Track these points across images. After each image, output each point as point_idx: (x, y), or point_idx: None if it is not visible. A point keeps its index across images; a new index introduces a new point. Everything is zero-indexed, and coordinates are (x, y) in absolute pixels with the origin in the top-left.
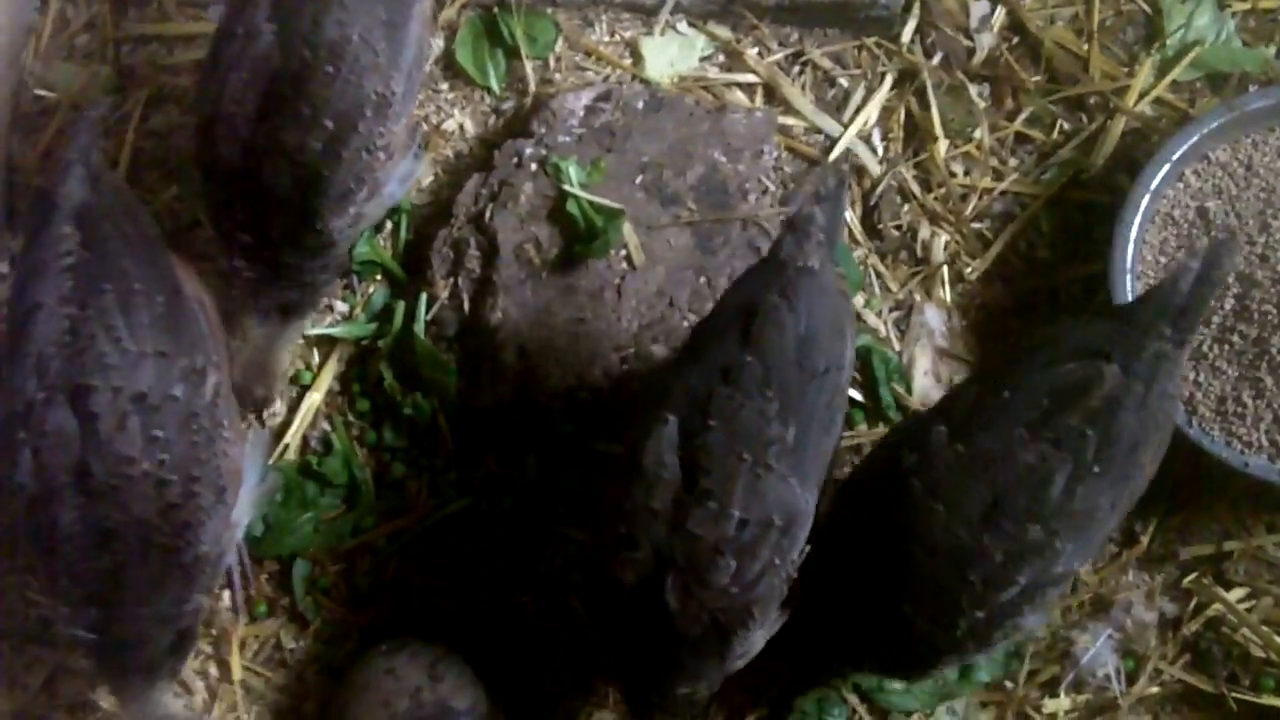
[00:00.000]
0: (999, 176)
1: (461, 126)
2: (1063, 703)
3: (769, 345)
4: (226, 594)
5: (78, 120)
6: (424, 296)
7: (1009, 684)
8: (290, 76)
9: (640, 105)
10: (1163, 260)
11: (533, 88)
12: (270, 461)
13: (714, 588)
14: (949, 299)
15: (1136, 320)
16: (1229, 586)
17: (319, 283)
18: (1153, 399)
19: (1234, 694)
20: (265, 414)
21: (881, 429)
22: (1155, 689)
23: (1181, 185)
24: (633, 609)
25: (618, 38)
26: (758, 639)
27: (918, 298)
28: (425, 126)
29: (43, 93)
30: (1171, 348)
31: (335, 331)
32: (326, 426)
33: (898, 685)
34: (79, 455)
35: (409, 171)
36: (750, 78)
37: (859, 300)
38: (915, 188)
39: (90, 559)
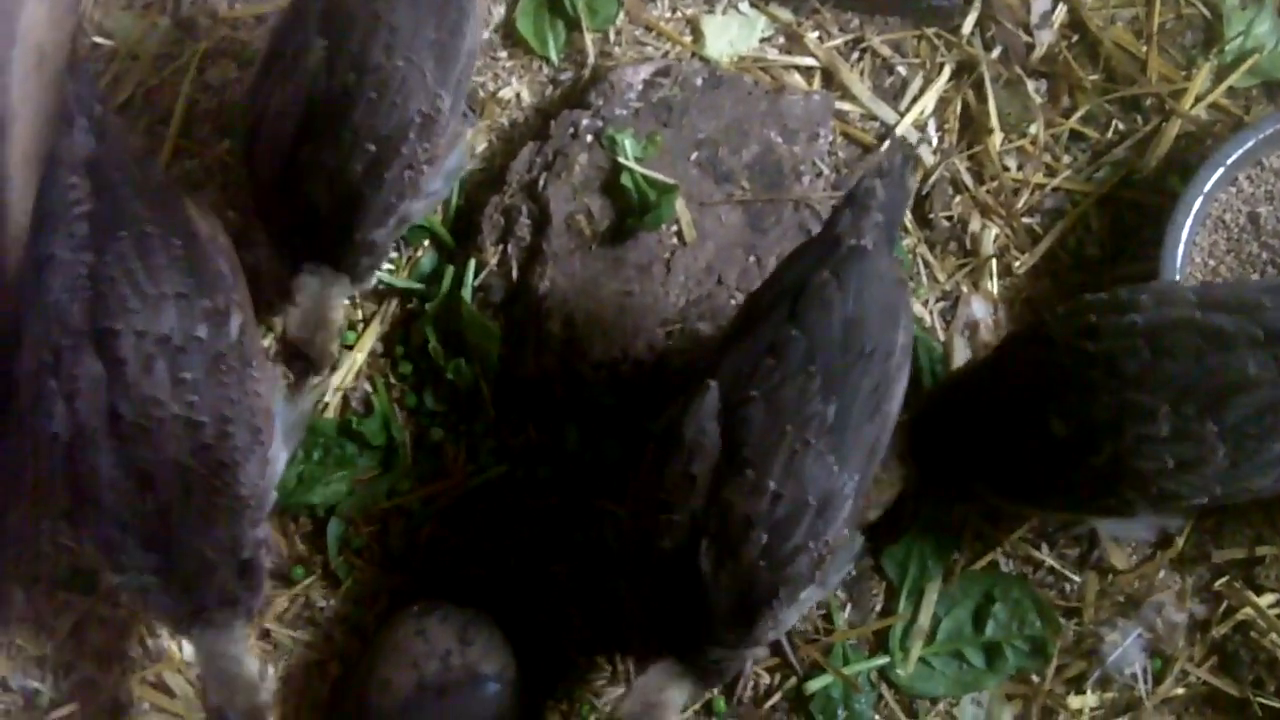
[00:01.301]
0: (1052, 173)
1: (518, 95)
2: (1088, 699)
3: (815, 322)
4: None
5: (76, 72)
6: (472, 262)
7: (1035, 677)
8: (333, 99)
9: (699, 82)
10: (1211, 263)
11: (592, 60)
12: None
13: (745, 560)
14: (995, 292)
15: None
16: (1259, 591)
17: (364, 270)
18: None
19: (1259, 699)
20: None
21: None
22: (1181, 690)
23: (1234, 190)
24: (667, 574)
25: (679, 14)
26: (787, 617)
27: (964, 289)
28: (482, 93)
29: (100, 40)
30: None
31: (386, 278)
32: (368, 387)
33: (924, 672)
34: (108, 400)
35: (454, 167)
36: (809, 61)
37: None
38: (968, 179)
39: (133, 502)
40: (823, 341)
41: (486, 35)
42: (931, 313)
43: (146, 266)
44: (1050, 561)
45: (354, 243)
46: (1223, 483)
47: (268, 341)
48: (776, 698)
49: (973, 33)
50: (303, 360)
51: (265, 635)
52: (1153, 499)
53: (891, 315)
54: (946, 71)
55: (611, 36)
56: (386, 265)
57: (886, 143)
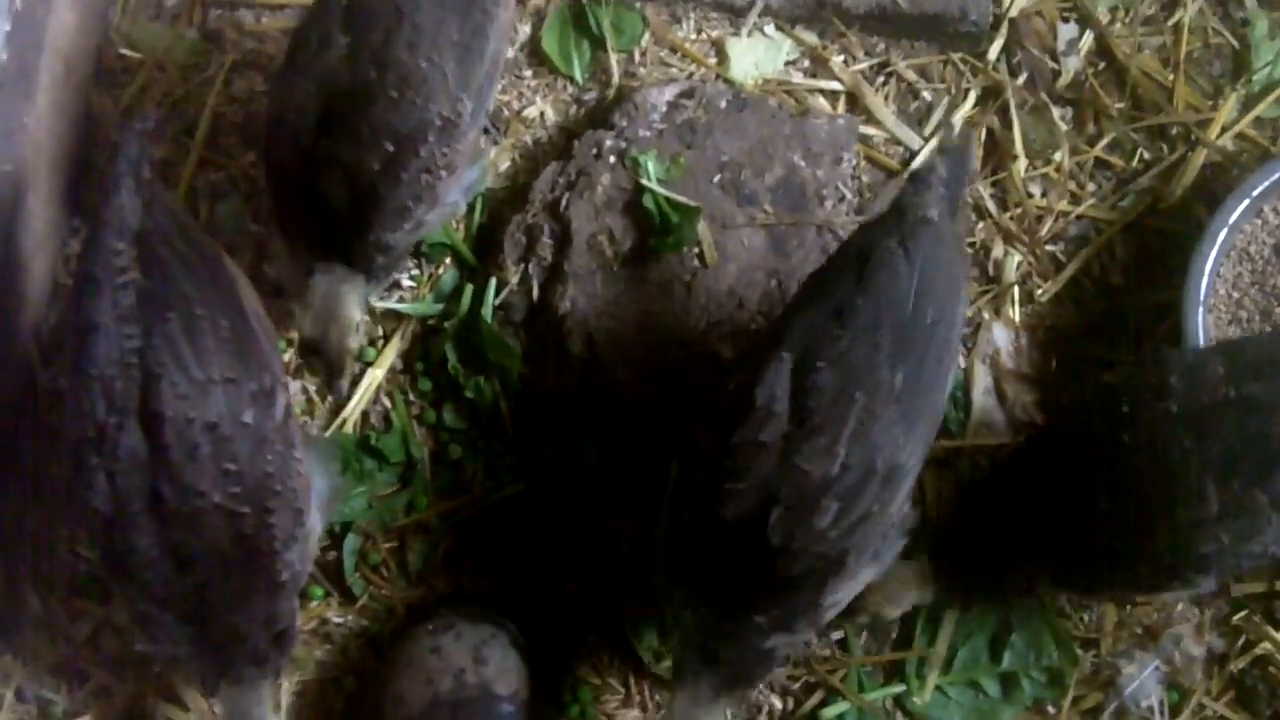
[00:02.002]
0: (1076, 200)
1: (542, 114)
2: None
3: (882, 289)
4: None
5: (124, 131)
6: (493, 281)
7: (1051, 708)
8: (354, 94)
9: (723, 104)
10: (1235, 295)
11: (616, 80)
12: (328, 433)
13: (815, 529)
14: (1017, 319)
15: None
16: (1278, 626)
17: (379, 271)
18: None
19: None
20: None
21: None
22: None
23: (1259, 221)
24: (733, 544)
25: (704, 36)
26: (847, 591)
27: (986, 316)
28: (507, 112)
29: (127, 52)
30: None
31: (402, 308)
32: (387, 403)
33: (940, 701)
34: (152, 481)
35: (473, 181)
36: (834, 85)
37: None
38: (991, 206)
39: (171, 581)
40: (890, 309)
41: (512, 54)
42: None
43: (196, 351)
44: None
45: (368, 242)
46: (1277, 549)
47: (287, 356)
48: None
49: (999, 58)
50: (321, 362)
51: None
52: (1215, 574)
53: (954, 286)
54: (972, 97)
55: (636, 57)
56: (407, 281)
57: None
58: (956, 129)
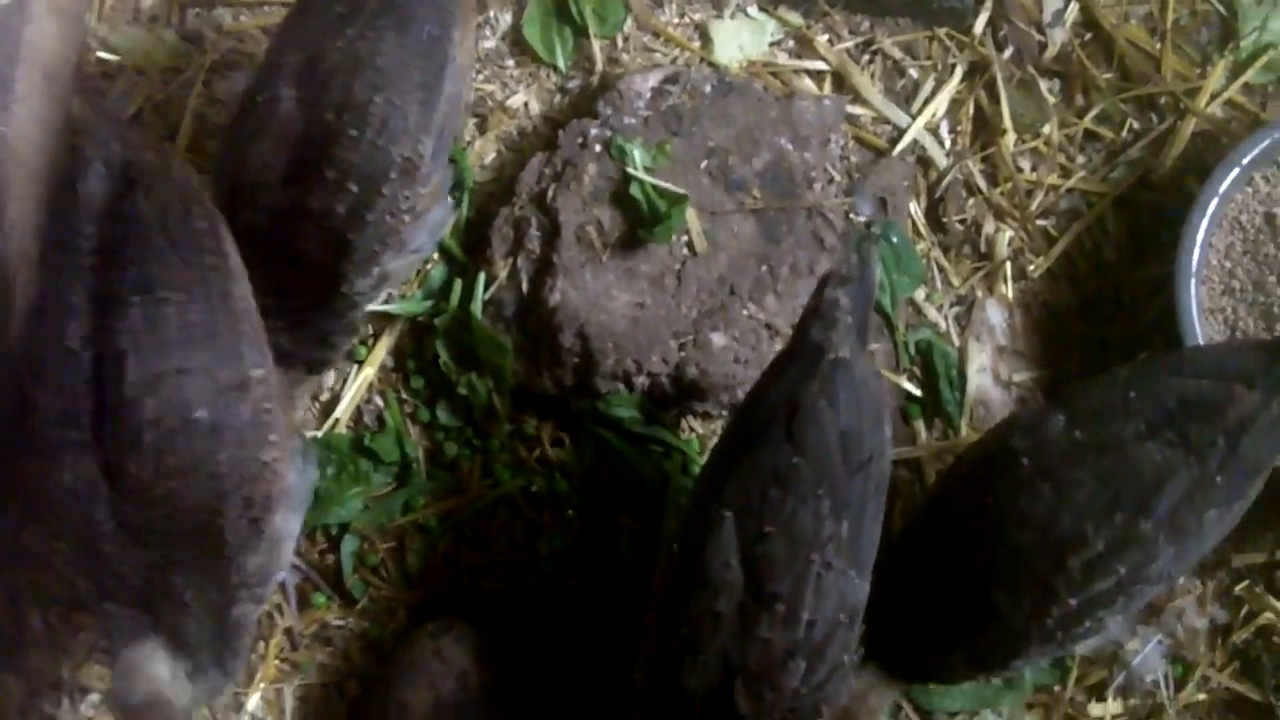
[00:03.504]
0: (1066, 173)
1: (526, 104)
2: (1110, 707)
3: (814, 445)
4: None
5: (96, 111)
6: (482, 276)
7: (1055, 686)
8: (315, 141)
9: (708, 89)
10: (1228, 265)
11: (600, 67)
12: (320, 434)
13: (785, 690)
14: (1011, 295)
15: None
16: None
17: (340, 344)
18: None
19: None
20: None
21: (937, 435)
22: (1203, 696)
23: (1250, 190)
24: (700, 714)
25: (687, 20)
26: None
27: (979, 293)
28: (490, 102)
29: (106, 55)
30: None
31: (391, 308)
32: (380, 402)
33: (943, 688)
34: (114, 463)
35: (440, 222)
36: (820, 65)
37: (920, 294)
38: (981, 182)
39: (127, 553)
40: (824, 462)
41: (493, 44)
42: (946, 318)
43: (156, 341)
44: None
45: (340, 295)
46: (1177, 565)
47: None
48: None
49: (984, 33)
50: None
51: (283, 657)
52: (1120, 609)
53: (877, 417)
54: (959, 73)
55: (619, 43)
56: None
57: (899, 148)
58: (852, 253)
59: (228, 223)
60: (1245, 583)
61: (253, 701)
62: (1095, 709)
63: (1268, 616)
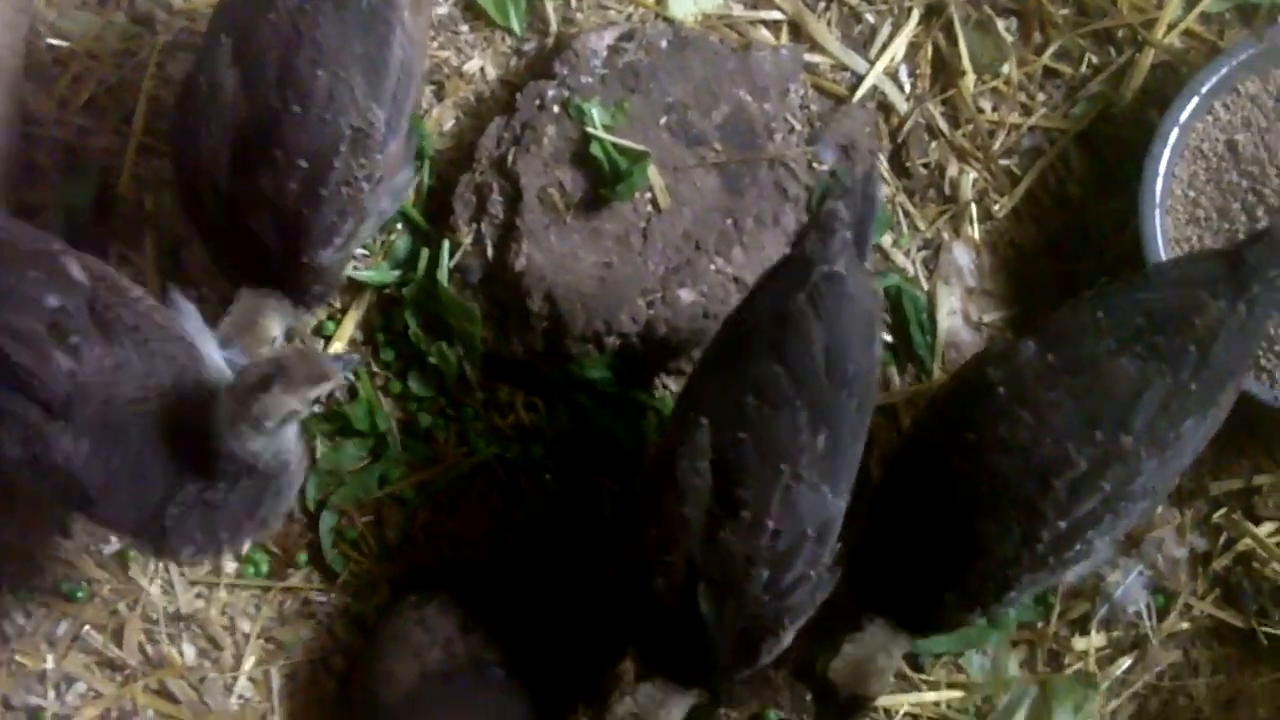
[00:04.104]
0: (1027, 112)
1: (482, 69)
2: (1094, 639)
3: (797, 356)
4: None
5: None
6: (447, 244)
7: (1039, 623)
8: (258, 124)
9: (664, 44)
10: (1191, 194)
11: (554, 28)
12: None
13: (747, 597)
14: (977, 237)
15: (1245, 259)
16: (1258, 521)
17: (317, 297)
18: (1250, 336)
19: (1264, 628)
20: None
21: (910, 380)
22: (1185, 624)
23: (1210, 118)
24: (665, 613)
25: None
26: (787, 638)
27: (946, 236)
28: (446, 69)
29: (56, 42)
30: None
31: (358, 275)
32: (350, 376)
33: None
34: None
35: (404, 185)
36: (775, 15)
37: (887, 239)
38: (943, 125)
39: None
40: (806, 374)
41: (446, 10)
42: (914, 262)
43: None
44: None
45: (302, 266)
46: (1159, 479)
47: None
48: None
49: None
50: None
51: (267, 636)
52: (1108, 528)
53: (869, 333)
54: (915, 15)
55: (573, 3)
56: (361, 250)
57: (858, 94)
58: (856, 167)
59: (189, 208)
60: (1223, 510)
61: (240, 684)
62: (1079, 643)
63: (1247, 543)
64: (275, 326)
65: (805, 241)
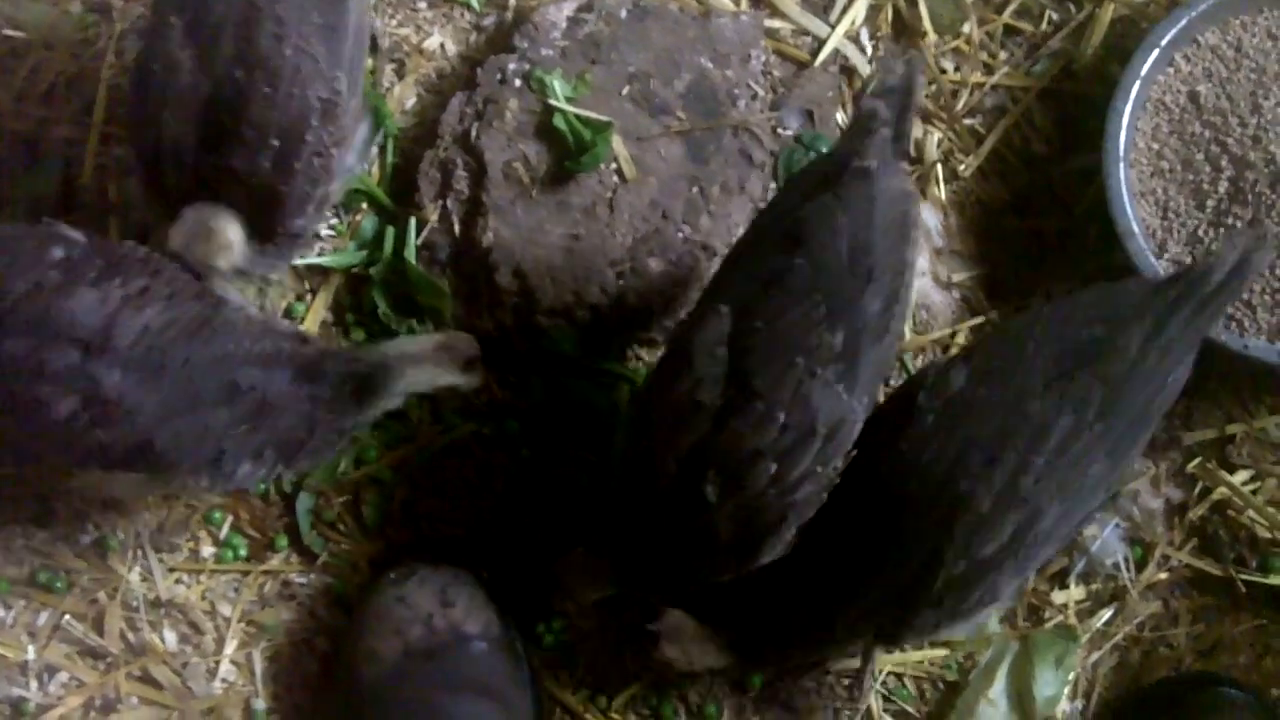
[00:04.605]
0: (990, 71)
1: (442, 45)
2: (1073, 593)
3: (819, 247)
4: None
5: None
6: (413, 221)
7: None
8: (226, 103)
9: (624, 14)
10: (1155, 146)
11: (513, 1)
12: None
13: (753, 489)
14: (944, 197)
15: (1165, 296)
16: (1233, 470)
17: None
18: (1166, 379)
19: (1242, 576)
20: None
21: None
22: (1164, 575)
23: (1172, 70)
24: (671, 499)
25: None
26: (789, 536)
27: None
28: (406, 47)
29: (12, 33)
30: (1192, 332)
31: (325, 261)
32: None
33: None
34: None
35: (365, 140)
36: None
37: None
38: None
39: None
40: (827, 267)
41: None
42: None
43: None
44: None
45: (279, 234)
46: (1063, 530)
47: None
48: None
49: None
50: None
51: (249, 619)
52: (1012, 574)
53: (901, 232)
54: None
55: None
56: (327, 232)
57: (820, 58)
58: (899, 61)
59: (154, 189)
60: (1198, 459)
61: (223, 667)
62: (1059, 596)
63: (1222, 492)
64: (231, 230)
65: (840, 142)
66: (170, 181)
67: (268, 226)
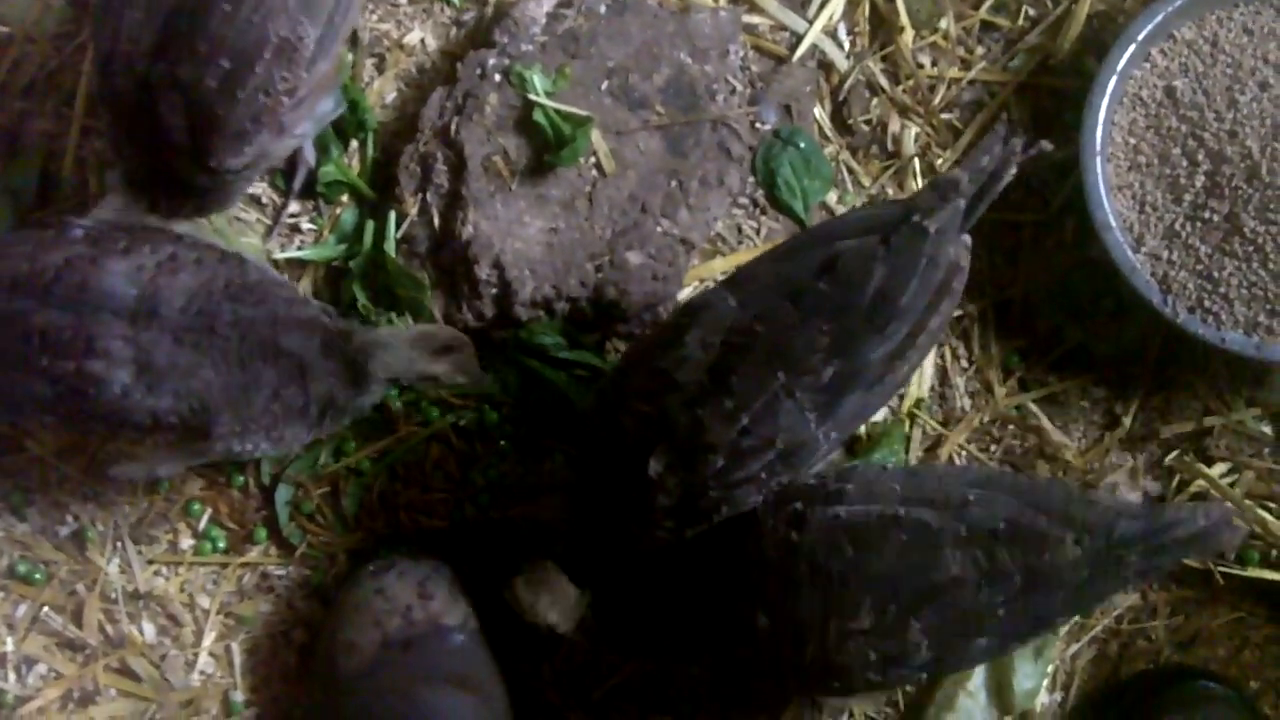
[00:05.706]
0: (967, 65)
1: (423, 40)
2: None
3: (846, 283)
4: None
5: None
6: (393, 214)
7: None
8: (189, 11)
9: (603, 9)
10: (1131, 141)
11: None
12: None
13: (697, 475)
14: None
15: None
16: (1211, 462)
17: (199, 210)
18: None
19: (1220, 569)
20: None
21: None
22: None
23: (1148, 65)
24: (623, 456)
25: None
26: (714, 521)
27: (890, 192)
28: (386, 42)
29: None
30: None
31: (304, 254)
32: None
33: None
34: None
35: (327, 112)
36: None
37: (831, 197)
38: (883, 81)
39: None
40: (845, 304)
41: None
42: None
43: None
44: (998, 458)
45: (207, 170)
46: (929, 672)
47: None
48: None
49: None
50: None
51: (227, 611)
52: (859, 690)
53: (937, 299)
54: None
55: None
56: (308, 225)
57: (798, 53)
58: (1000, 144)
59: (103, 88)
60: (1176, 453)
61: (202, 659)
62: None
63: (1200, 484)
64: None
65: (917, 194)
66: (119, 84)
67: (199, 153)
